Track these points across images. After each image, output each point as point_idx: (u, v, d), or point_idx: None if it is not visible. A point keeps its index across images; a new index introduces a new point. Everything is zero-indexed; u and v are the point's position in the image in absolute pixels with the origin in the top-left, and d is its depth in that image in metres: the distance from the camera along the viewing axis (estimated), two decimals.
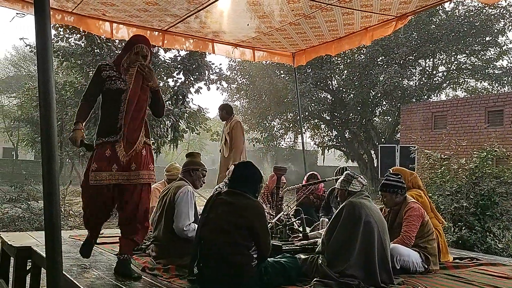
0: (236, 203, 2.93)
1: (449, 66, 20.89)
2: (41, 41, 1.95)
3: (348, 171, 3.52)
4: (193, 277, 2.92)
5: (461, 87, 21.64)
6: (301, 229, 4.15)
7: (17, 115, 21.73)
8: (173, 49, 12.84)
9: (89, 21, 4.96)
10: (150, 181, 3.26)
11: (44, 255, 3.39)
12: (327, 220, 4.18)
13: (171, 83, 14.15)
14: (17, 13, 4.65)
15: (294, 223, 4.33)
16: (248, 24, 5.00)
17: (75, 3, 4.46)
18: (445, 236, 4.36)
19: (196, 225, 3.35)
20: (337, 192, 3.47)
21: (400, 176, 3.78)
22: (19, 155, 34.36)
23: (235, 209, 2.89)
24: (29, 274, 4.00)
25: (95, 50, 11.98)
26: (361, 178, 3.41)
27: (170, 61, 13.44)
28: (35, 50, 10.08)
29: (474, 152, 7.29)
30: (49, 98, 1.92)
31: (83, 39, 11.90)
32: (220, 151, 6.32)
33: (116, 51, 12.10)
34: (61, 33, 11.81)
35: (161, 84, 14.17)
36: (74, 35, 11.99)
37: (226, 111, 6.28)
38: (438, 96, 21.38)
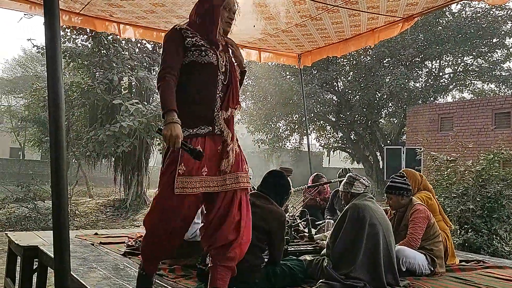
0: (260, 205, 3.00)
1: (456, 68, 20.78)
2: (51, 42, 1.97)
3: (351, 173, 3.52)
4: (204, 267, 2.91)
5: (467, 89, 21.52)
6: (306, 230, 4.16)
7: (24, 116, 21.86)
8: None
9: (96, 22, 4.98)
10: (249, 185, 2.59)
11: (51, 254, 3.43)
12: (332, 221, 4.18)
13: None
14: (24, 14, 4.69)
15: (300, 224, 4.33)
16: (254, 26, 5.01)
17: (82, 4, 4.48)
18: (451, 238, 4.34)
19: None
20: (340, 194, 3.49)
21: (405, 178, 3.78)
22: (26, 155, 34.59)
23: (259, 211, 2.94)
24: (36, 273, 4.03)
25: (102, 51, 12.06)
26: (363, 179, 3.40)
27: None
28: (43, 51, 10.21)
29: (481, 154, 7.25)
30: (58, 100, 1.94)
31: (90, 39, 11.98)
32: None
33: (122, 52, 12.18)
34: (68, 34, 11.91)
35: None
36: (81, 36, 12.08)
37: None
38: (445, 98, 21.29)
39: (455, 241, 5.96)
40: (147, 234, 2.53)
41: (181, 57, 2.48)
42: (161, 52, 2.64)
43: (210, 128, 2.47)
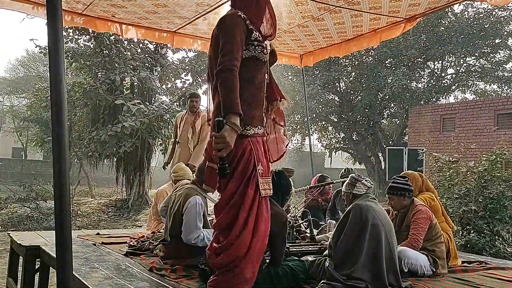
0: None
1: (458, 68, 20.74)
2: (53, 43, 1.97)
3: (353, 174, 3.51)
4: (206, 267, 2.91)
5: (470, 89, 21.47)
6: (308, 231, 4.15)
7: (27, 116, 21.92)
8: (182, 49, 12.93)
9: (98, 22, 4.99)
10: None
11: (53, 254, 3.43)
12: (334, 222, 4.17)
13: (179, 84, 14.21)
14: (27, 15, 4.70)
15: (302, 225, 4.33)
16: None
17: (85, 4, 4.49)
18: (454, 240, 4.34)
19: (206, 232, 3.42)
20: (342, 194, 3.49)
21: (407, 179, 3.77)
22: (28, 155, 34.67)
23: None
24: (38, 273, 4.04)
25: (104, 51, 12.08)
26: (365, 180, 3.39)
27: (178, 63, 13.52)
28: (45, 51, 10.22)
29: (483, 155, 7.24)
30: (61, 100, 1.94)
31: (92, 40, 12.01)
32: (177, 141, 5.81)
33: (125, 52, 12.20)
34: (71, 34, 11.94)
35: (169, 85, 14.28)
36: (83, 36, 12.11)
37: (199, 101, 5.90)
38: (447, 98, 21.25)
39: (457, 242, 5.95)
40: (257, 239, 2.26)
41: (242, 50, 2.30)
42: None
43: (263, 129, 2.42)
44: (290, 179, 3.38)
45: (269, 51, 2.53)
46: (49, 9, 2.03)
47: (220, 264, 2.23)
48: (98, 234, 4.98)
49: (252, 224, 2.23)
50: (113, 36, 11.50)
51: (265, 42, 2.44)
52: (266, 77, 2.46)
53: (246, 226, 2.21)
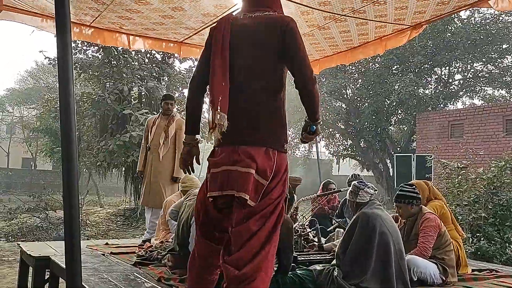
0: None
1: (466, 74, 20.66)
2: (62, 55, 2.01)
3: (355, 182, 3.47)
4: None
5: (478, 95, 21.37)
6: (316, 239, 4.14)
7: (36, 126, 22.13)
8: (189, 59, 13.02)
9: (106, 34, 5.05)
10: None
11: (62, 265, 3.45)
12: (342, 230, 4.16)
13: (187, 94, 14.28)
14: (36, 27, 4.76)
15: (309, 233, 4.31)
16: None
17: (93, 16, 4.55)
18: (464, 247, 4.30)
19: None
20: (348, 203, 3.48)
21: (414, 186, 3.75)
22: (37, 165, 34.96)
23: None
24: (47, 284, 4.06)
25: (112, 62, 12.21)
26: (368, 188, 3.36)
27: (185, 72, 13.61)
28: (54, 63, 10.33)
29: (492, 161, 7.18)
30: (70, 111, 1.97)
31: (101, 51, 12.15)
32: (148, 147, 5.35)
33: (132, 63, 12.32)
34: (79, 45, 12.08)
35: (176, 95, 14.37)
36: (92, 47, 12.25)
37: (174, 104, 5.62)
38: (455, 104, 21.14)
39: (467, 250, 5.89)
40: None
41: None
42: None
43: None
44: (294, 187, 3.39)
45: None
46: (58, 22, 2.06)
47: (244, 275, 2.12)
48: (107, 244, 4.99)
49: (275, 236, 2.25)
50: (121, 47, 11.63)
51: None
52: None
53: (271, 237, 2.22)
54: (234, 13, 2.44)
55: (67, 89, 1.97)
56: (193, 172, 2.59)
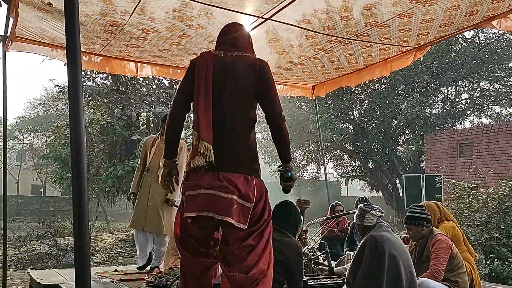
0: (277, 239, 2.98)
1: (472, 93, 20.64)
2: (73, 84, 2.05)
3: (361, 205, 3.45)
4: None
5: (485, 114, 21.27)
6: (326, 263, 4.10)
7: (46, 153, 22.32)
8: None
9: (114, 62, 5.16)
10: None
11: None
12: (352, 253, 4.11)
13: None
14: (46, 57, 4.87)
15: (319, 257, 4.27)
16: (268, 60, 5.10)
17: (102, 45, 4.66)
18: (477, 269, 4.22)
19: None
20: (356, 226, 3.45)
21: (424, 208, 3.72)
22: (46, 191, 35.12)
23: (276, 244, 2.92)
24: None
25: (120, 88, 12.38)
26: (374, 210, 3.33)
27: None
28: (64, 91, 10.46)
29: (503, 180, 7.11)
30: (80, 139, 2.00)
31: (109, 78, 12.34)
32: (147, 169, 5.06)
33: (140, 89, 12.49)
34: (88, 73, 12.29)
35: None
36: (101, 74, 12.46)
37: None
38: (463, 123, 21.05)
39: (480, 271, 5.78)
40: None
41: None
42: (272, 85, 2.64)
43: None
44: (299, 208, 3.43)
45: None
46: (69, 53, 2.11)
47: (253, 276, 2.47)
48: (115, 270, 4.98)
49: (270, 245, 2.61)
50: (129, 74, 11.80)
51: None
52: None
53: (267, 247, 2.57)
54: (214, 51, 2.69)
55: (77, 118, 2.01)
56: (174, 190, 2.87)
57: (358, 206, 3.45)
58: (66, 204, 27.86)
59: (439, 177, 10.21)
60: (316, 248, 4.65)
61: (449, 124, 18.97)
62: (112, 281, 4.25)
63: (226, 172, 2.47)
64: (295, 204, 5.07)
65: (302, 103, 20.90)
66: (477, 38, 18.79)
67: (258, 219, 2.55)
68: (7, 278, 4.70)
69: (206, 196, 2.45)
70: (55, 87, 13.10)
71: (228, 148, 2.51)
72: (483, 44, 18.25)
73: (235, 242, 2.49)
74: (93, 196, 14.24)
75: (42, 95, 36.82)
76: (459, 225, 4.24)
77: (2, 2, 3.69)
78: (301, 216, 3.45)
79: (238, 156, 2.52)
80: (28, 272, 4.76)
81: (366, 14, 3.86)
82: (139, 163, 5.28)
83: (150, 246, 5.11)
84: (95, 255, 10.77)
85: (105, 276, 4.52)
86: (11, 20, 3.89)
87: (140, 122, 12.84)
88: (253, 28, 4.13)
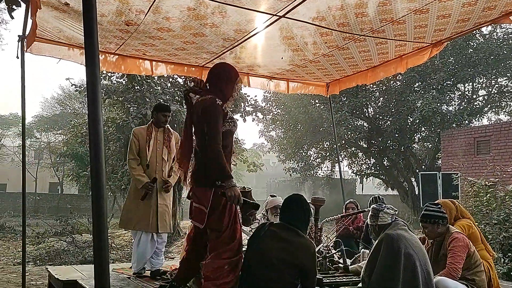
0: (289, 240, 2.96)
1: (490, 89, 20.31)
2: (91, 84, 2.08)
3: (374, 205, 3.43)
4: None
5: (503, 110, 20.91)
6: (341, 261, 4.08)
7: (63, 151, 22.66)
8: None
9: (130, 61, 5.20)
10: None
11: None
12: (367, 252, 4.09)
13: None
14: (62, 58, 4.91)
15: (334, 255, 4.26)
16: (282, 57, 5.11)
17: (117, 44, 4.71)
18: (495, 268, 4.17)
19: None
20: (370, 228, 3.40)
21: (440, 206, 3.68)
22: (64, 189, 35.65)
23: (288, 246, 2.91)
24: None
25: (136, 87, 12.48)
26: (387, 209, 3.30)
27: None
28: (80, 89, 10.57)
29: None
30: (98, 139, 2.03)
31: (124, 76, 12.46)
32: (147, 167, 4.67)
33: (155, 87, 12.58)
34: (104, 72, 12.42)
35: None
36: (116, 73, 12.58)
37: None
38: (480, 120, 20.74)
39: (498, 270, 5.69)
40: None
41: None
42: (210, 118, 3.11)
43: None
44: (314, 206, 3.41)
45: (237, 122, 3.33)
46: (87, 52, 2.14)
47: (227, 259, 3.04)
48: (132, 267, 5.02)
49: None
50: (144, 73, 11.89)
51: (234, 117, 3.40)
52: (233, 141, 3.31)
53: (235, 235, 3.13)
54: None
55: (96, 117, 2.04)
56: None
57: (372, 206, 3.43)
58: (83, 202, 28.25)
59: (456, 175, 10.08)
60: (331, 246, 4.64)
61: (466, 121, 18.70)
62: (129, 278, 4.30)
63: (197, 187, 3.28)
64: (310, 202, 5.07)
65: (317, 101, 20.81)
66: (494, 33, 18.49)
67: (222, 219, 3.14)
68: (26, 274, 4.77)
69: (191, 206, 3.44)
70: (71, 86, 13.28)
71: (199, 169, 3.34)
72: (501, 40, 17.95)
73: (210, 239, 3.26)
74: (109, 193, 14.42)
75: (59, 94, 37.38)
76: (476, 223, 4.18)
77: (21, 2, 3.74)
78: (312, 211, 3.40)
79: (204, 175, 3.24)
80: (47, 268, 4.84)
81: (382, 10, 3.82)
82: (131, 156, 4.71)
83: (151, 250, 4.57)
84: (112, 252, 10.91)
85: (121, 273, 4.57)
86: (29, 20, 3.95)
87: None
88: (267, 26, 4.13)
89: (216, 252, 3.05)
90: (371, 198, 5.59)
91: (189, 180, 3.27)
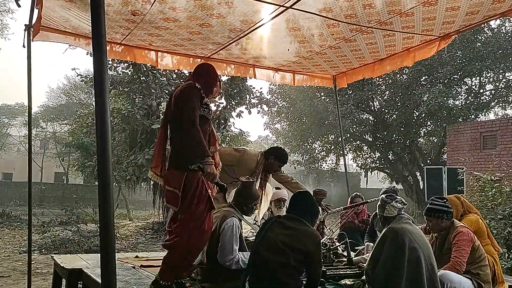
0: (296, 227, 3.03)
1: (497, 84, 20.12)
2: (99, 73, 2.08)
3: (382, 196, 3.42)
4: None
5: (510, 105, 20.74)
6: (345, 253, 4.09)
7: (68, 141, 22.75)
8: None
9: (136, 51, 5.19)
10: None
11: (95, 277, 3.53)
12: (372, 244, 4.09)
13: (213, 108, 14.50)
14: (69, 46, 4.93)
15: (339, 247, 4.26)
16: (288, 49, 5.08)
17: (123, 34, 4.70)
18: (499, 263, 4.16)
19: (241, 255, 3.45)
20: (378, 217, 3.43)
21: (445, 200, 3.66)
22: (69, 179, 35.85)
23: (295, 233, 2.98)
24: None
25: (141, 78, 12.49)
26: (395, 202, 3.28)
27: None
28: (86, 79, 10.60)
29: None
30: (105, 129, 2.04)
31: (130, 67, 12.46)
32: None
33: (161, 78, 12.58)
34: (110, 62, 12.42)
35: None
36: (122, 64, 12.59)
37: None
38: (487, 115, 20.57)
39: (503, 265, 5.68)
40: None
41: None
42: (184, 100, 3.22)
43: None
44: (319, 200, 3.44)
45: (212, 111, 3.48)
46: (95, 40, 2.14)
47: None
48: (137, 257, 5.06)
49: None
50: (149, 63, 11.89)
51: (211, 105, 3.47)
52: (209, 129, 3.41)
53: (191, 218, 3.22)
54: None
55: (103, 107, 2.05)
56: None
57: (380, 197, 3.42)
58: (88, 192, 28.41)
59: (461, 170, 10.04)
60: (336, 239, 4.65)
61: (473, 116, 18.57)
62: (134, 267, 4.33)
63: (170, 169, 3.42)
64: (312, 195, 5.07)
65: (322, 93, 20.72)
66: (503, 27, 18.28)
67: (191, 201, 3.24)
68: (32, 262, 4.82)
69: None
70: (77, 76, 13.28)
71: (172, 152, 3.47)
72: (509, 34, 17.75)
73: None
74: (114, 184, 14.50)
75: (64, 84, 37.47)
76: (482, 218, 4.17)
77: None
78: (319, 209, 3.45)
79: (177, 157, 3.36)
80: (52, 256, 4.88)
81: (390, 2, 3.79)
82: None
83: None
84: (117, 242, 10.98)
85: (126, 262, 4.60)
86: (35, 9, 3.94)
87: (161, 112, 12.93)
88: (274, 17, 4.10)
89: (180, 228, 3.18)
90: (385, 188, 5.51)
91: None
